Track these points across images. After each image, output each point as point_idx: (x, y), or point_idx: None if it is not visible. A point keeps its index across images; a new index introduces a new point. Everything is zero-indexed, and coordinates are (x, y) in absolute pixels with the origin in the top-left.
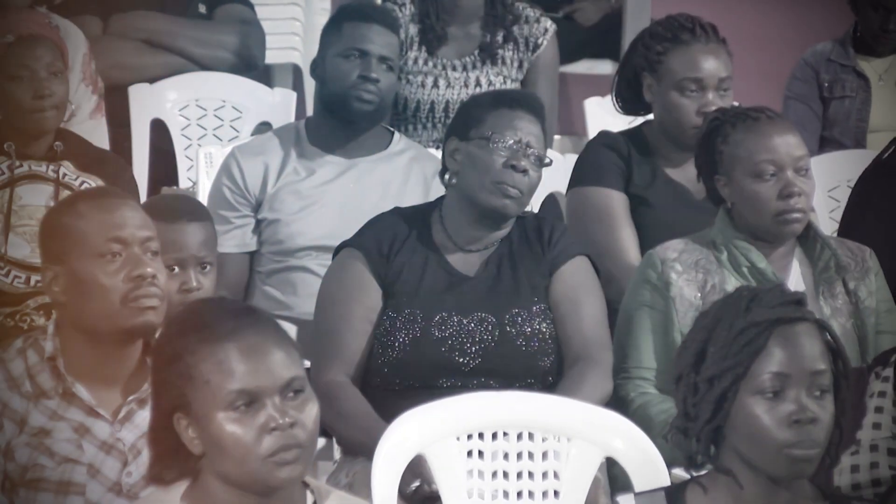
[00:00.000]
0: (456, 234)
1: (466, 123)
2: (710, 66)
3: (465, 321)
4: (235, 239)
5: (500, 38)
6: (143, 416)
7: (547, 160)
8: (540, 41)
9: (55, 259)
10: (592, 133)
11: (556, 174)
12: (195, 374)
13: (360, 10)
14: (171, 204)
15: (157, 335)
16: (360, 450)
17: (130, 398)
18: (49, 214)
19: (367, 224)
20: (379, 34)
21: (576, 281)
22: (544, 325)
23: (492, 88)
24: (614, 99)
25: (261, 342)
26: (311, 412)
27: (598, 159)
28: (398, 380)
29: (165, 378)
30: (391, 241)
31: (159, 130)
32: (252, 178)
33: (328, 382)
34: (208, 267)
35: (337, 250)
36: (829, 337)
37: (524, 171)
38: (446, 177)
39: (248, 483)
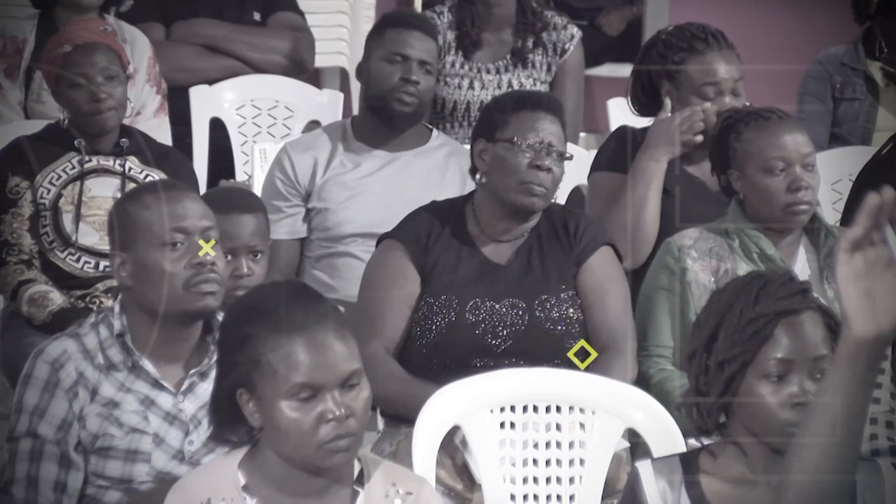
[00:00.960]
0: (488, 227)
1: (491, 126)
2: (725, 70)
3: (497, 306)
4: (287, 226)
5: (530, 43)
6: (204, 388)
7: (568, 155)
8: (567, 46)
9: (123, 246)
10: None
11: (582, 169)
12: (263, 362)
13: (402, 17)
14: (225, 196)
15: (219, 316)
16: (402, 411)
17: (192, 371)
18: (117, 205)
19: (406, 217)
20: (419, 40)
21: (602, 272)
22: (571, 310)
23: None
24: (630, 104)
25: (325, 337)
26: (364, 400)
27: (612, 148)
28: (435, 360)
29: (233, 358)
30: (428, 232)
31: (217, 128)
32: (302, 170)
33: (369, 356)
34: (259, 255)
35: (378, 241)
36: (831, 321)
37: (548, 170)
38: (477, 176)
39: (301, 464)
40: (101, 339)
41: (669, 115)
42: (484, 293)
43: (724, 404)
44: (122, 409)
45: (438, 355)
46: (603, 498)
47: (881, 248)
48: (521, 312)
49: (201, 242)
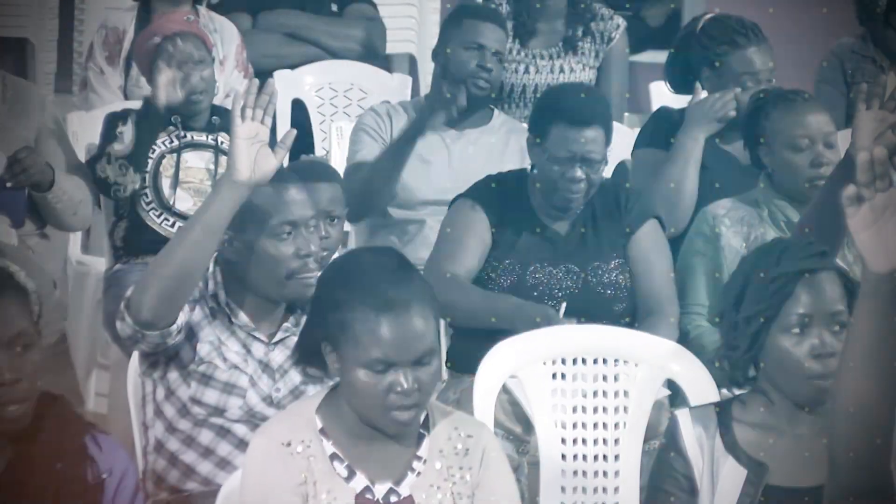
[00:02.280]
0: (545, 204)
1: (537, 128)
2: (762, 62)
3: (554, 270)
4: (374, 152)
5: (580, 32)
6: (293, 342)
7: (604, 161)
8: (613, 35)
9: (232, 224)
10: None
11: (626, 145)
12: (349, 330)
13: (478, 9)
14: (305, 167)
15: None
16: (483, 319)
17: (285, 324)
18: None
19: (477, 183)
20: (493, 31)
21: (649, 243)
22: (620, 276)
23: (573, 76)
24: (667, 82)
25: (409, 318)
26: (432, 375)
27: (652, 127)
28: None
29: (324, 315)
30: (499, 197)
31: (298, 108)
32: (384, 127)
33: (450, 278)
34: (336, 220)
35: (452, 202)
36: (848, 282)
37: (580, 181)
38: (534, 170)
39: (366, 421)
40: (206, 286)
41: (703, 97)
42: (543, 259)
43: (752, 358)
44: (226, 346)
45: None
46: (645, 441)
47: (891, 193)
48: (575, 277)
49: (306, 233)
